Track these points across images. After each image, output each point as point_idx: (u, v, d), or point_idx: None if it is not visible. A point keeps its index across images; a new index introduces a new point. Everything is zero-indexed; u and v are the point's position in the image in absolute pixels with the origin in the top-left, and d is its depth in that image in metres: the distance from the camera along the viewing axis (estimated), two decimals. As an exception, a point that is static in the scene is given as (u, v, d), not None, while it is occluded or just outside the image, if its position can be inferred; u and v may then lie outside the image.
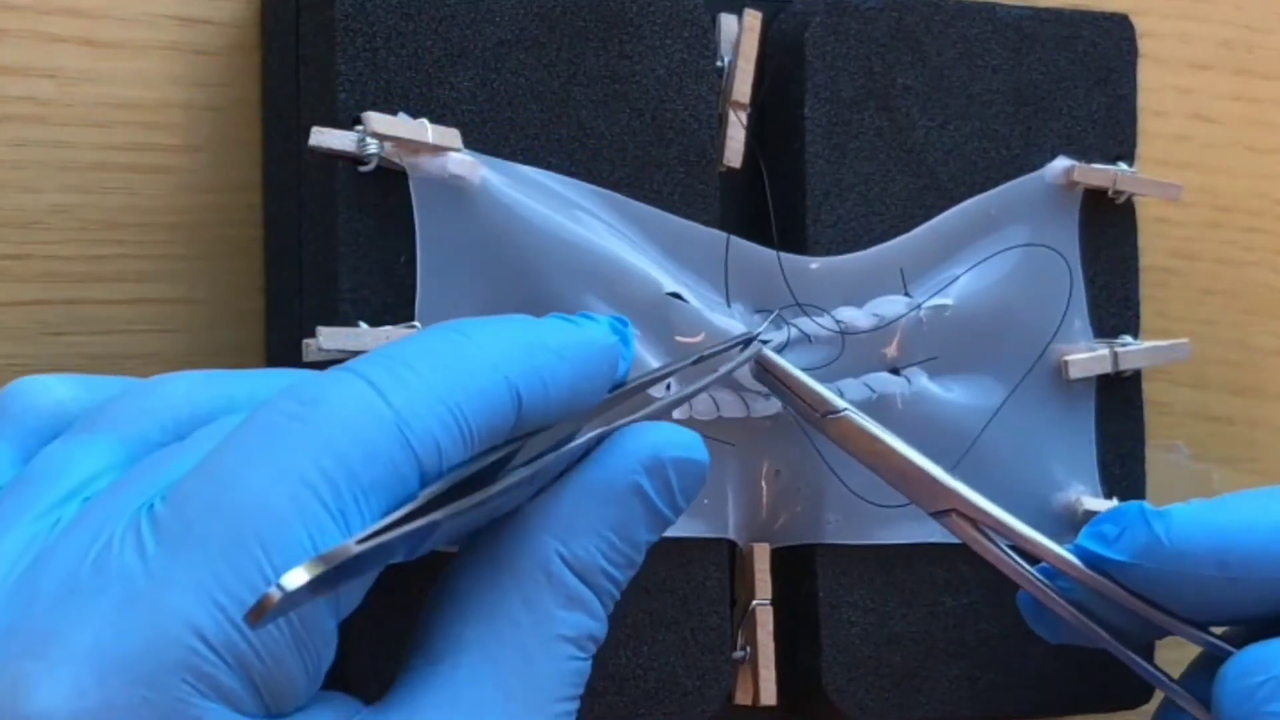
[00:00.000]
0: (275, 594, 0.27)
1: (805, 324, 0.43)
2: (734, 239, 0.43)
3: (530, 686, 0.32)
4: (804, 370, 0.43)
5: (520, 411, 0.32)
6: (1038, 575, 0.41)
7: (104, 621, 0.28)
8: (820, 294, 0.44)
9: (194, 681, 0.28)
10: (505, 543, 0.33)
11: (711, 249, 0.43)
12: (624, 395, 0.36)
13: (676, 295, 0.42)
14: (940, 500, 0.41)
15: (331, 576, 0.28)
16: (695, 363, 0.39)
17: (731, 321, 0.42)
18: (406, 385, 0.31)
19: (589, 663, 0.33)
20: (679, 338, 0.42)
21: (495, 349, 0.32)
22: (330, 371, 0.31)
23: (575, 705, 0.33)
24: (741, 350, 0.40)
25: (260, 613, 0.27)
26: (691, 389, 0.39)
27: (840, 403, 0.41)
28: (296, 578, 0.27)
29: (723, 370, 0.39)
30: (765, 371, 0.41)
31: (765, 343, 0.41)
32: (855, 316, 0.44)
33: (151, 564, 0.29)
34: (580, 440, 0.33)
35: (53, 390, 0.34)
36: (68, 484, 0.32)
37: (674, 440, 0.34)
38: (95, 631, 0.28)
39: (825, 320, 0.43)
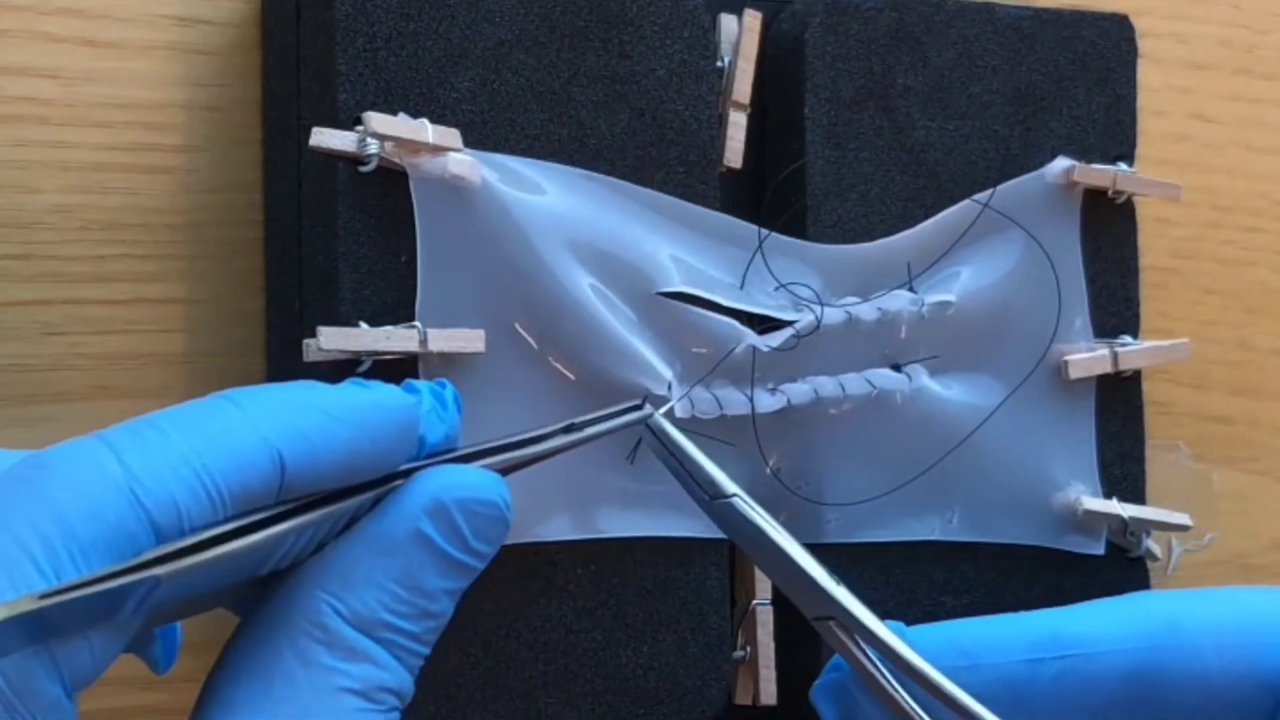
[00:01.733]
0: None
1: (828, 312, 0.43)
2: (741, 222, 0.43)
3: None
4: (804, 367, 0.43)
5: (285, 472, 0.31)
6: (913, 705, 0.38)
7: None
8: (827, 283, 0.44)
9: None
10: (280, 601, 0.32)
11: (727, 235, 0.43)
12: (476, 456, 0.34)
13: (674, 295, 0.42)
14: (821, 606, 0.38)
15: (12, 631, 0.26)
16: (567, 429, 0.36)
17: (732, 322, 0.42)
18: (146, 445, 0.30)
19: (391, 714, 0.32)
20: (697, 349, 0.42)
21: (256, 411, 0.31)
22: (78, 438, 0.30)
23: None
24: (634, 412, 0.37)
25: None
26: (547, 446, 0.35)
27: (730, 486, 0.38)
28: None
29: (600, 429, 0.36)
30: (657, 441, 0.38)
31: (649, 415, 0.38)
32: (861, 309, 0.44)
33: None
34: (366, 495, 0.32)
35: None
36: None
37: (460, 481, 0.33)
38: None
39: (835, 311, 0.43)
